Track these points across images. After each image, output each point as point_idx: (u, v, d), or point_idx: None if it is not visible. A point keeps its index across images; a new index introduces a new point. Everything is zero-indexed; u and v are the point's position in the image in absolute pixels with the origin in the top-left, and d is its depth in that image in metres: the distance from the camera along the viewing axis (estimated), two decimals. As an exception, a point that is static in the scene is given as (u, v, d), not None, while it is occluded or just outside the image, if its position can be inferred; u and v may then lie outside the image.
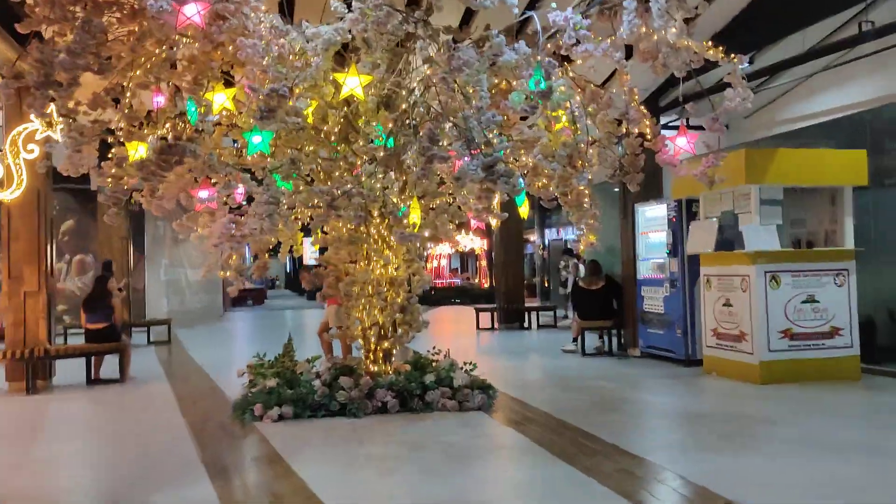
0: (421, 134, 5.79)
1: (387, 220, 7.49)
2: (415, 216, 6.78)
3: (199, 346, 14.81)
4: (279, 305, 32.15)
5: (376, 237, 7.67)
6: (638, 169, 7.67)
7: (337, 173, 6.62)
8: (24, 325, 9.36)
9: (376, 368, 7.75)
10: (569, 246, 21.15)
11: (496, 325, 17.32)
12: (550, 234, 33.53)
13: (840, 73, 10.34)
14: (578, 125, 6.48)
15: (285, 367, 7.68)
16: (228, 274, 8.05)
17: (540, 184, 7.12)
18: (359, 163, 6.49)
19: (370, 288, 7.70)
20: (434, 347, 8.66)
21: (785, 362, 8.60)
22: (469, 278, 34.41)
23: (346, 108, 6.62)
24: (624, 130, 7.46)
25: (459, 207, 8.04)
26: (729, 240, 9.37)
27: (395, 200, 6.20)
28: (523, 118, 7.54)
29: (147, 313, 17.65)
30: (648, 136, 7.30)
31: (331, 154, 6.64)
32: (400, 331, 7.94)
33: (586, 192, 6.85)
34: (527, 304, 18.42)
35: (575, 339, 12.22)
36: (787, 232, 9.34)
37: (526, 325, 17.43)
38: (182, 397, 8.66)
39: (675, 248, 10.41)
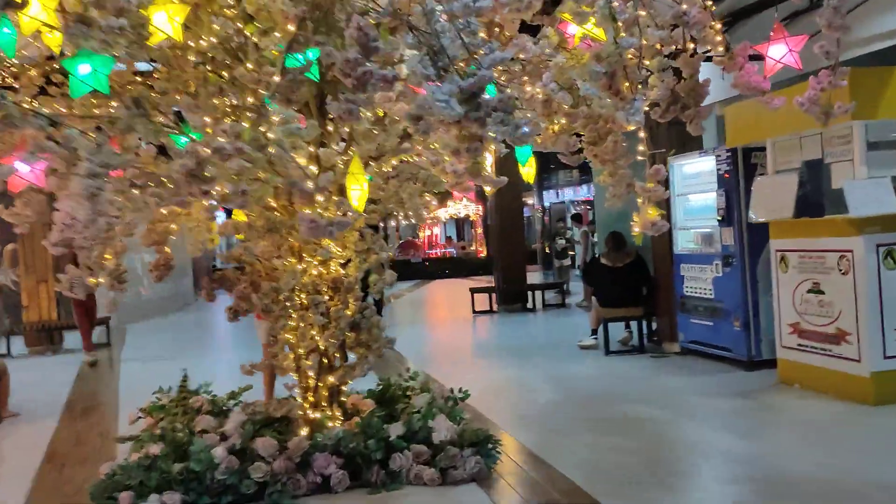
0: (346, 35, 3.14)
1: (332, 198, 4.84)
2: (356, 191, 4.14)
3: (142, 349, 12.23)
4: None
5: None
6: (701, 100, 5.04)
7: (209, 119, 3.96)
8: None
9: (318, 416, 5.18)
10: (575, 211, 18.49)
11: (495, 308, 14.80)
12: (549, 196, 30.94)
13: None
14: (621, 23, 3.80)
15: (176, 423, 5.07)
16: (102, 280, 5.57)
17: (556, 128, 4.45)
18: (249, 99, 3.84)
19: (303, 297, 5.10)
20: (408, 370, 6.14)
21: (906, 373, 6.05)
22: (465, 247, 32.01)
23: (231, 10, 3.94)
24: (675, 46, 4.81)
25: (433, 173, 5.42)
26: (812, 201, 6.75)
27: (304, 162, 3.58)
28: (524, 29, 4.88)
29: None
30: (718, 49, 4.68)
31: (202, 87, 3.95)
32: (353, 356, 5.38)
33: (640, 133, 4.20)
34: (529, 282, 15.76)
35: (594, 332, 9.68)
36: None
37: (529, 305, 14.91)
38: (53, 455, 6.08)
39: (731, 213, 7.76)
